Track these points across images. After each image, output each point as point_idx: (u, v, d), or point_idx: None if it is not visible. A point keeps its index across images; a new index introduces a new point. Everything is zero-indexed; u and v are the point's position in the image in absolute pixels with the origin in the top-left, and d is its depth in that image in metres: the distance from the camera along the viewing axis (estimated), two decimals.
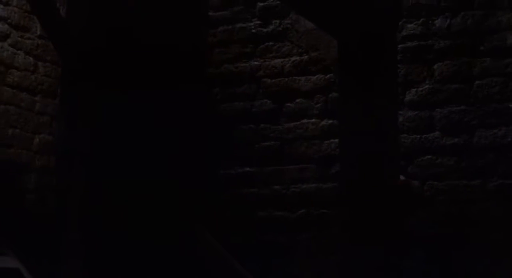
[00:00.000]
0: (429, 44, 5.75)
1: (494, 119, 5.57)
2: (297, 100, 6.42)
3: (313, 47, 6.41)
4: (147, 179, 3.55)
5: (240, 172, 6.56)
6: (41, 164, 6.77)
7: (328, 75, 6.31)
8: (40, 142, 6.80)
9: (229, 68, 6.81)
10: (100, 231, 3.34)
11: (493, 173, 5.56)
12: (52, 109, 6.91)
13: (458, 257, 5.52)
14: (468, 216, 5.55)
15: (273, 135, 6.50)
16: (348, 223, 5.00)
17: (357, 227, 4.95)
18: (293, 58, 6.52)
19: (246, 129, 6.60)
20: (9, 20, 6.54)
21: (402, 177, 5.41)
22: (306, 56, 6.45)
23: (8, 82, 6.51)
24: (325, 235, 6.02)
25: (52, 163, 6.73)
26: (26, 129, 6.69)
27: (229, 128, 6.65)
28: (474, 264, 5.45)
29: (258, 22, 6.74)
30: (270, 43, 6.66)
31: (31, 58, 6.78)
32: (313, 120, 6.32)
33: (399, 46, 5.78)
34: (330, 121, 6.14)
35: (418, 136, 5.70)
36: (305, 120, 6.36)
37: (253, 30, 6.77)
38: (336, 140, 5.91)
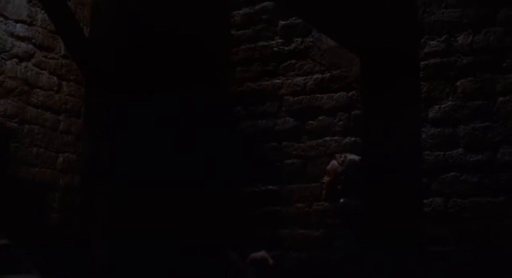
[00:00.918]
0: (451, 61, 5.73)
1: None
2: (320, 117, 6.43)
3: (335, 64, 6.42)
4: (172, 198, 3.56)
5: (263, 190, 6.56)
6: (65, 183, 6.81)
7: (350, 93, 6.31)
8: (64, 161, 6.84)
9: (251, 86, 6.83)
10: (125, 250, 3.35)
11: None
12: (76, 129, 6.95)
13: (478, 274, 5.48)
14: (492, 232, 5.51)
15: (296, 153, 6.50)
16: (370, 240, 5.00)
17: (378, 244, 4.95)
18: (315, 76, 6.53)
19: (268, 147, 6.61)
20: (33, 40, 6.61)
21: None
22: (328, 74, 6.46)
23: (32, 102, 6.56)
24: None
25: (77, 182, 6.76)
26: (51, 148, 6.73)
27: (252, 146, 6.66)
28: None
29: (280, 40, 6.77)
30: (292, 61, 6.67)
31: (55, 78, 6.83)
32: (336, 137, 6.31)
33: (422, 63, 5.77)
34: (353, 138, 6.13)
35: (442, 153, 5.67)
36: (327, 138, 6.36)
37: (275, 48, 6.79)
38: (359, 157, 5.90)
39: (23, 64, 6.49)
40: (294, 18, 6.68)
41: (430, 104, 5.76)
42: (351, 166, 4.59)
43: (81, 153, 6.71)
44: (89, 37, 6.56)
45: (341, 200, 4.46)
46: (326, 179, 4.67)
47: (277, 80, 6.72)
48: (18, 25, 6.47)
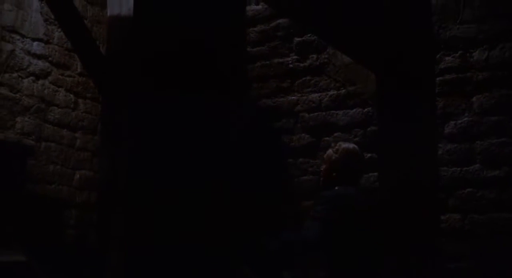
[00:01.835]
0: (467, 76, 5.72)
1: None
2: (335, 134, 6.42)
3: (350, 81, 6.42)
4: (191, 217, 3.56)
5: (278, 205, 6.56)
6: (82, 200, 6.84)
7: (366, 109, 6.30)
8: (80, 178, 6.88)
9: (267, 103, 6.84)
10: (142, 266, 3.35)
11: None
12: (92, 146, 6.99)
13: None
14: (510, 249, 5.47)
15: (312, 170, 6.49)
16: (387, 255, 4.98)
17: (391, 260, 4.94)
18: (330, 93, 6.53)
19: (285, 163, 6.61)
20: (50, 58, 6.66)
21: None
22: (343, 90, 6.46)
23: (49, 120, 6.60)
24: None
25: (93, 199, 6.79)
26: (67, 165, 6.77)
27: (268, 163, 6.66)
28: None
29: (295, 57, 6.78)
30: (308, 77, 6.69)
31: (71, 96, 6.88)
32: None
33: (437, 78, 5.77)
34: (369, 154, 6.12)
35: (458, 169, 5.65)
36: None
37: (291, 65, 6.80)
38: (375, 173, 5.89)
39: (40, 82, 6.53)
40: (309, 34, 6.70)
41: (446, 120, 5.75)
42: (345, 153, 4.66)
43: (97, 170, 6.75)
44: (105, 55, 6.59)
45: (336, 188, 4.51)
46: (323, 166, 4.73)
47: (292, 97, 6.73)
48: (35, 43, 6.52)
